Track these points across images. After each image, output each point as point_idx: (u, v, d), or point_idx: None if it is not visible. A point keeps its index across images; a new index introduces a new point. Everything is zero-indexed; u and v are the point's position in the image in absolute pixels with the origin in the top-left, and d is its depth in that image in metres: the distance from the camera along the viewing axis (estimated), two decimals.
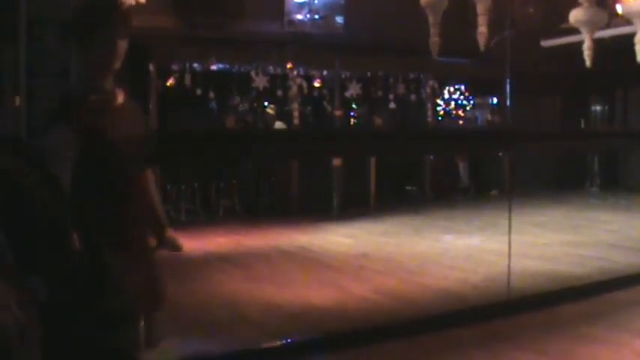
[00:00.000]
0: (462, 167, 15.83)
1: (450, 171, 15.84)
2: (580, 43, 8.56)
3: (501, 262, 6.71)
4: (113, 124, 2.84)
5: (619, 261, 8.06)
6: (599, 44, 8.55)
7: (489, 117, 17.13)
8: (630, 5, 8.20)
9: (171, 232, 3.38)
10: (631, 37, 8.20)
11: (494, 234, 9.13)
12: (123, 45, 2.87)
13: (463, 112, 16.99)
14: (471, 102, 17.08)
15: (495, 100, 17.00)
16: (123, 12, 2.92)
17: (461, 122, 16.76)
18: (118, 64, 2.88)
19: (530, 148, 8.38)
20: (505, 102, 12.92)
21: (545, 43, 14.06)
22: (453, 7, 7.90)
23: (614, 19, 9.31)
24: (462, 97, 16.99)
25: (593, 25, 8.34)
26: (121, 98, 2.98)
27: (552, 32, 12.89)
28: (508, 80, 8.57)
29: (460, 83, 16.79)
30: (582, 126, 16.21)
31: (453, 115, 16.79)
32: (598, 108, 17.51)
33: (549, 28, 12.91)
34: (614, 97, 16.97)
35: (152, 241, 3.25)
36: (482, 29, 7.57)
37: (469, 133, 8.84)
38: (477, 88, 16.69)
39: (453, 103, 16.88)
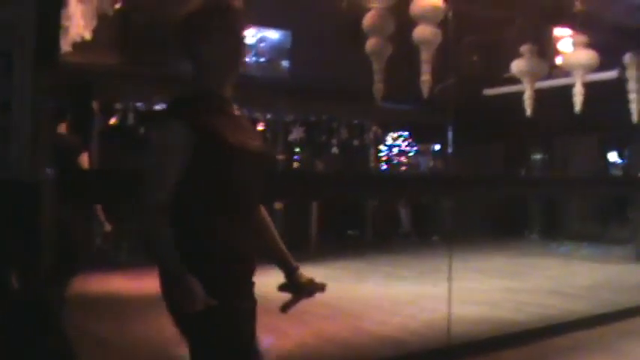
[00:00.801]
0: (404, 212, 15.91)
1: (392, 216, 15.91)
2: (521, 93, 8.72)
3: (442, 308, 6.71)
4: (233, 129, 2.63)
5: (557, 307, 8.14)
6: (539, 94, 8.73)
7: (431, 163, 17.32)
8: (569, 57, 8.42)
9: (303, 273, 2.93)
10: (570, 87, 8.40)
11: (435, 280, 9.13)
12: (237, 47, 2.72)
13: (406, 158, 17.13)
14: (414, 148, 17.25)
15: (437, 147, 17.21)
16: (237, 13, 2.71)
17: (403, 168, 16.90)
18: (235, 69, 2.71)
19: (470, 193, 8.46)
20: (447, 148, 13.06)
21: (488, 91, 14.32)
22: (397, 53, 7.99)
23: (554, 70, 9.54)
24: (404, 143, 17.15)
25: (533, 76, 8.53)
26: (237, 112, 2.79)
27: (495, 81, 13.14)
28: (450, 127, 8.67)
29: (403, 129, 16.96)
30: (522, 173, 16.47)
31: (395, 161, 16.92)
32: (538, 156, 17.84)
33: (492, 77, 13.16)
34: (554, 145, 17.32)
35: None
36: (425, 77, 7.66)
37: (410, 179, 8.88)
38: (420, 135, 16.88)
39: (395, 149, 17.03)
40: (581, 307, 8.14)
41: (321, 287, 2.88)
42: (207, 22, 2.64)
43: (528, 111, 8.62)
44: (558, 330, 7.03)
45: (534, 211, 16.47)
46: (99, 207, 6.23)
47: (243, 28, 2.75)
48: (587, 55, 7.91)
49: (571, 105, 8.33)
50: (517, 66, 8.50)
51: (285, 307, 2.81)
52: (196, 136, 2.49)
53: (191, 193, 2.54)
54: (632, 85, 8.85)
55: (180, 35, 2.71)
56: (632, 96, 8.89)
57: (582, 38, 8.03)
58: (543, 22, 8.64)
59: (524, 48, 8.45)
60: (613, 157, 18.28)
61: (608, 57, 8.66)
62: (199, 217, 2.56)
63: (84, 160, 5.83)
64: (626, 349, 6.58)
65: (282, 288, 2.89)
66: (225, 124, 2.61)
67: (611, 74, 9.86)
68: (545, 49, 9.35)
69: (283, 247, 2.97)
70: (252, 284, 2.72)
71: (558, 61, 9.34)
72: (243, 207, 2.67)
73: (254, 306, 2.71)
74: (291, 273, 2.89)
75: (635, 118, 9.07)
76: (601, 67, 8.38)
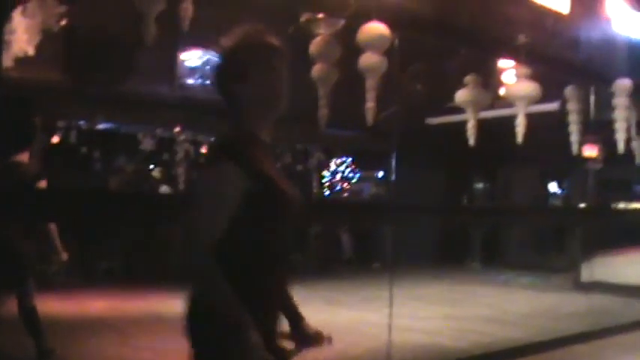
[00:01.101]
0: (345, 238, 15.91)
1: (333, 242, 15.89)
2: (465, 122, 8.82)
3: (382, 334, 6.69)
4: (278, 175, 2.50)
5: (496, 335, 8.20)
6: (482, 124, 8.84)
7: (374, 190, 17.39)
8: (512, 88, 8.55)
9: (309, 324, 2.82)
10: (513, 118, 8.53)
11: (376, 306, 9.12)
12: (278, 86, 2.56)
13: (349, 184, 17.19)
14: (357, 174, 17.32)
15: (381, 174, 17.30)
16: (277, 50, 2.57)
17: (346, 194, 16.93)
18: (276, 110, 2.59)
19: (412, 221, 8.50)
20: (390, 175, 13.13)
21: (432, 120, 14.47)
22: (342, 80, 8.01)
23: (497, 100, 9.68)
24: (348, 169, 17.21)
25: (477, 105, 8.63)
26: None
27: (439, 110, 13.28)
28: (393, 154, 8.72)
29: (347, 155, 17.02)
30: (464, 202, 16.65)
31: (338, 187, 16.95)
32: (480, 185, 18.08)
33: (436, 106, 13.30)
34: (496, 174, 17.56)
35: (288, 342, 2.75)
36: (370, 104, 7.68)
37: (352, 205, 8.89)
38: (364, 161, 16.95)
39: (339, 174, 17.07)
40: (518, 334, 8.22)
41: (328, 339, 2.80)
42: (247, 60, 2.52)
43: (471, 140, 8.71)
44: (496, 358, 7.07)
45: (475, 240, 16.63)
46: (54, 233, 6.10)
47: (283, 66, 2.59)
48: (529, 87, 8.04)
49: (513, 135, 8.45)
50: (461, 96, 8.60)
51: (289, 357, 2.70)
52: (250, 182, 2.33)
53: (236, 241, 2.35)
54: (572, 117, 9.03)
55: (218, 73, 2.60)
56: (573, 128, 9.07)
57: (525, 70, 8.16)
58: (487, 54, 8.77)
59: (469, 78, 8.56)
60: (553, 187, 18.64)
61: (550, 89, 8.81)
62: (241, 268, 2.39)
63: (43, 186, 5.81)
64: None
65: (287, 337, 2.76)
66: (271, 168, 2.48)
67: (552, 106, 10.05)
68: (489, 79, 9.48)
69: (291, 294, 2.82)
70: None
71: (502, 92, 9.47)
72: (282, 259, 2.56)
73: None
74: (297, 323, 2.78)
75: (574, 149, 9.25)
76: (543, 99, 8.53)
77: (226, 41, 2.58)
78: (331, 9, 7.02)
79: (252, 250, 2.40)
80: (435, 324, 8.89)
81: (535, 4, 7.43)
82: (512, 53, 8.00)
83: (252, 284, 2.40)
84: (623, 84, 8.43)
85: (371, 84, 7.43)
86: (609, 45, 8.41)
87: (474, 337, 8.13)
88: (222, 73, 2.58)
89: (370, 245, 16.09)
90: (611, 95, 8.60)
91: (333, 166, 17.01)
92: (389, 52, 7.11)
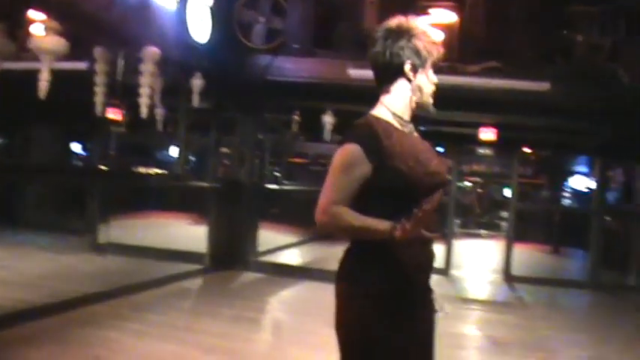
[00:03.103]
0: None
1: None
2: None
3: None
4: (411, 155, 2.69)
5: (7, 297, 7.89)
6: (4, 76, 8.34)
7: None
8: (38, 41, 8.18)
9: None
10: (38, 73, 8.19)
11: None
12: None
13: None
14: None
15: None
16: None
17: None
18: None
19: None
20: None
21: None
22: None
23: (24, 53, 9.21)
24: None
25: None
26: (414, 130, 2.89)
27: None
28: None
29: None
30: None
31: None
32: None
33: None
34: (16, 130, 16.82)
35: None
36: None
37: None
38: None
39: None
40: (33, 296, 8.00)
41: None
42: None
43: None
44: (8, 321, 6.81)
45: None
46: None
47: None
48: (55, 42, 7.77)
49: (37, 90, 8.12)
50: None
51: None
52: (374, 160, 2.61)
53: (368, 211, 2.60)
54: (99, 79, 8.99)
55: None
56: (98, 89, 9.03)
57: (55, 24, 7.88)
58: (17, 2, 8.28)
59: None
60: (76, 148, 18.52)
61: (81, 48, 8.66)
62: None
63: None
64: (72, 338, 6.66)
65: None
66: (406, 149, 2.69)
67: (80, 65, 9.90)
68: (17, 29, 8.98)
69: None
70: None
71: (29, 43, 9.01)
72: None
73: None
74: None
75: (98, 111, 9.23)
76: (73, 57, 8.34)
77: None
78: None
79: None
80: None
81: None
82: (45, 6, 7.69)
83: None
84: (152, 51, 8.64)
85: None
86: (142, 12, 8.57)
87: None
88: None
89: None
90: (139, 61, 8.76)
91: None
92: None
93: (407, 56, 2.77)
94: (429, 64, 2.82)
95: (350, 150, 2.63)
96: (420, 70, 2.80)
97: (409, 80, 2.81)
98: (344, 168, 2.63)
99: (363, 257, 2.69)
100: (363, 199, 2.62)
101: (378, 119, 2.76)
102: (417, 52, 2.78)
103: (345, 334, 2.70)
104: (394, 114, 2.80)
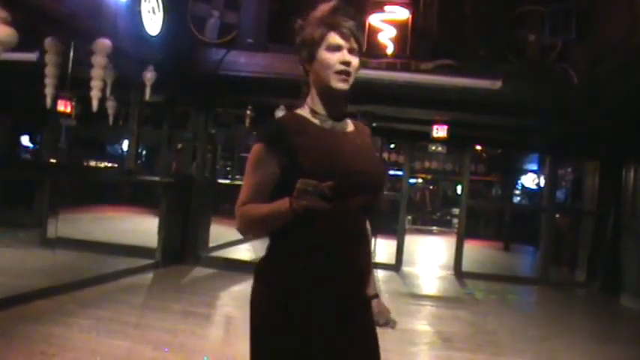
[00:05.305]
0: None
1: None
2: None
3: None
4: (325, 152, 2.55)
5: None
6: None
7: None
8: None
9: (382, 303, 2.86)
10: None
11: None
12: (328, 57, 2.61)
13: None
14: None
15: None
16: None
17: None
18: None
19: None
20: None
21: None
22: None
23: None
24: None
25: None
26: (351, 127, 2.78)
27: None
28: None
29: None
30: None
31: None
32: None
33: None
34: None
35: None
36: None
37: None
38: None
39: None
40: None
41: (393, 323, 2.82)
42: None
43: None
44: None
45: None
46: None
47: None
48: (5, 32, 7.62)
49: None
50: None
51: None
52: (283, 158, 2.53)
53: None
54: (49, 70, 8.84)
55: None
56: (48, 81, 8.88)
57: (4, 14, 7.73)
58: None
59: None
60: (26, 140, 18.20)
61: (31, 38, 8.49)
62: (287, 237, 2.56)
63: None
64: (18, 334, 6.56)
65: None
66: (315, 144, 2.57)
67: (30, 56, 9.72)
68: None
69: (372, 270, 2.88)
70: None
71: None
72: (329, 232, 2.55)
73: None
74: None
75: (48, 103, 9.08)
76: (24, 48, 8.18)
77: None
78: None
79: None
80: None
81: None
82: None
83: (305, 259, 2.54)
84: (104, 43, 8.52)
85: None
86: (94, 3, 8.45)
87: None
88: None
89: None
90: (91, 53, 8.63)
91: None
92: None
93: (299, 50, 2.69)
94: (322, 45, 2.62)
95: (255, 150, 2.58)
96: (315, 57, 2.64)
97: (307, 73, 2.72)
98: (251, 168, 2.58)
99: (275, 254, 2.62)
100: (278, 197, 2.48)
101: (294, 116, 2.68)
102: (302, 42, 2.67)
103: (250, 333, 2.62)
104: (312, 109, 2.69)
